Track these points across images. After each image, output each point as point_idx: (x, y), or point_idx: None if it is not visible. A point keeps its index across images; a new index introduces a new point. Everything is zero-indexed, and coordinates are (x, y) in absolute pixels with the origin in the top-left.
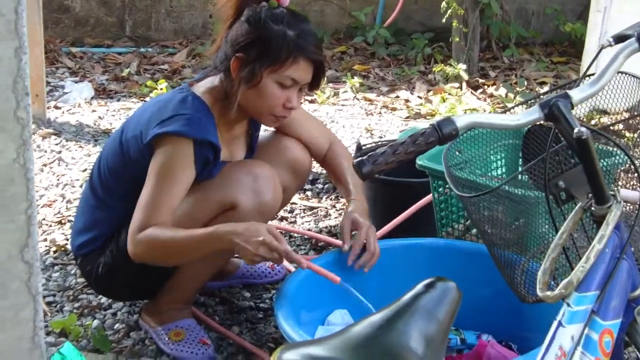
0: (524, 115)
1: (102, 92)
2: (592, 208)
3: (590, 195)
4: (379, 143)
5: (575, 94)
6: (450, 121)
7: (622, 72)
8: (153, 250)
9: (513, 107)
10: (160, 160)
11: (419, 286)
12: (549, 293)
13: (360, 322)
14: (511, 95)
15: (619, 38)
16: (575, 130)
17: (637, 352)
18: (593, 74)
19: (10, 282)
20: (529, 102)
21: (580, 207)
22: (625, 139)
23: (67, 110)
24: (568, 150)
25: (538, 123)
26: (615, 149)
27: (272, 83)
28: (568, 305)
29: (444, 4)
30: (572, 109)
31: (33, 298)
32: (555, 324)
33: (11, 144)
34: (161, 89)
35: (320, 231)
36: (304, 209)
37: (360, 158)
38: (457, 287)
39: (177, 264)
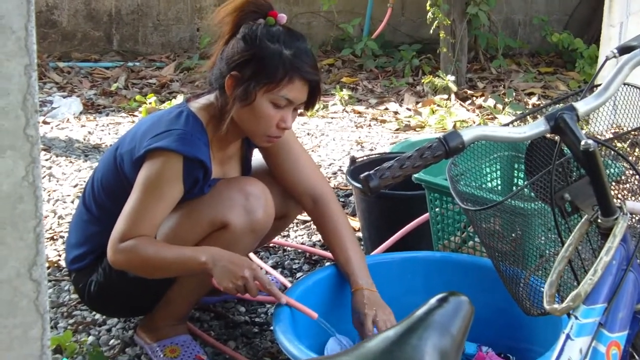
0: (529, 128)
1: (90, 107)
2: (599, 220)
3: (596, 207)
4: (372, 156)
5: (580, 106)
6: (457, 134)
7: (627, 84)
8: (134, 261)
9: (516, 120)
10: (148, 173)
11: (432, 301)
12: (556, 306)
13: (374, 337)
14: (500, 107)
15: (624, 49)
16: (582, 143)
17: None
18: (599, 85)
19: (19, 300)
20: (534, 113)
21: (587, 220)
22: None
23: (56, 126)
24: (574, 162)
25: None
26: (610, 161)
27: (267, 103)
28: (576, 318)
29: (429, 14)
30: (578, 121)
31: (41, 316)
32: (563, 337)
33: (20, 161)
34: (150, 103)
35: (314, 244)
36: (296, 223)
37: (367, 172)
38: (470, 301)
39: (155, 277)
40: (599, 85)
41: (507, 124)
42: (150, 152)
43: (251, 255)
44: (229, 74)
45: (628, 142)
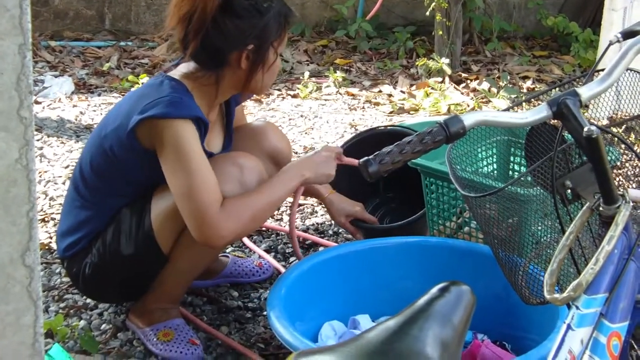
0: (531, 113)
1: (82, 87)
2: (601, 208)
3: (598, 195)
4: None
5: (583, 91)
6: (458, 119)
7: (631, 70)
8: (243, 218)
9: (515, 105)
10: (169, 148)
11: (433, 290)
12: (557, 296)
13: (374, 328)
14: (494, 90)
15: (628, 34)
16: (585, 129)
17: None
18: (602, 70)
19: (12, 286)
20: (532, 99)
21: (588, 208)
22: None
23: (48, 105)
24: (575, 149)
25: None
26: (608, 147)
27: (277, 56)
28: (577, 308)
29: None
30: (581, 106)
31: (34, 303)
32: (564, 327)
33: (14, 144)
34: (142, 83)
35: (307, 229)
36: (290, 207)
37: (366, 157)
38: (472, 291)
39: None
40: (602, 70)
41: (507, 109)
42: (157, 124)
43: (244, 239)
44: (245, 49)
45: (622, 128)
